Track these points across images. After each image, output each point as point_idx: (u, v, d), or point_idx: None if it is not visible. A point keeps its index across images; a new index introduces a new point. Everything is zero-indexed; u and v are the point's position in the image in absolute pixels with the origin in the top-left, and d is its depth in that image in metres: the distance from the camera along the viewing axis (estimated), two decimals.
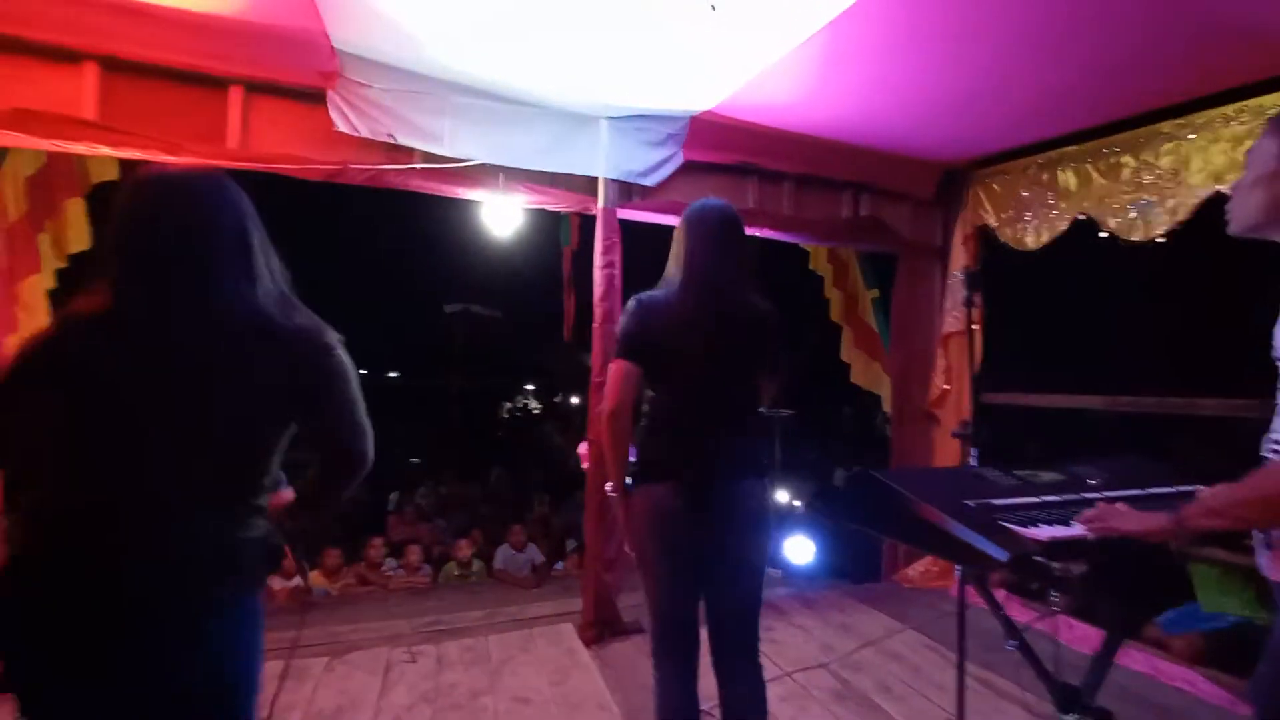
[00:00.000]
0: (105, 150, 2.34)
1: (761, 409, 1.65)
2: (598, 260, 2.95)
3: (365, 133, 2.55)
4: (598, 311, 2.94)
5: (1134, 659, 2.56)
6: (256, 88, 2.48)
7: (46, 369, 0.96)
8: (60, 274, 2.78)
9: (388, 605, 3.50)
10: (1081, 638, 2.57)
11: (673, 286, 1.58)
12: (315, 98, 2.51)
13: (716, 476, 1.52)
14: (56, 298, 2.70)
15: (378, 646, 2.73)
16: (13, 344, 2.44)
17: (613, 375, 1.54)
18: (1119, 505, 1.20)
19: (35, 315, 2.58)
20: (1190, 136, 2.61)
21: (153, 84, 2.36)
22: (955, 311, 3.52)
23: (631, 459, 1.59)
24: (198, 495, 0.96)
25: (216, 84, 2.43)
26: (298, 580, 4.38)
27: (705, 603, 1.58)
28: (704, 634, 1.60)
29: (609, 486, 1.61)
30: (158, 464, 0.94)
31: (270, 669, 2.48)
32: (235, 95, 2.46)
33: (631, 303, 1.58)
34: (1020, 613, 2.10)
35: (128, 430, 0.94)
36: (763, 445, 1.66)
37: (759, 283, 1.62)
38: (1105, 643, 1.53)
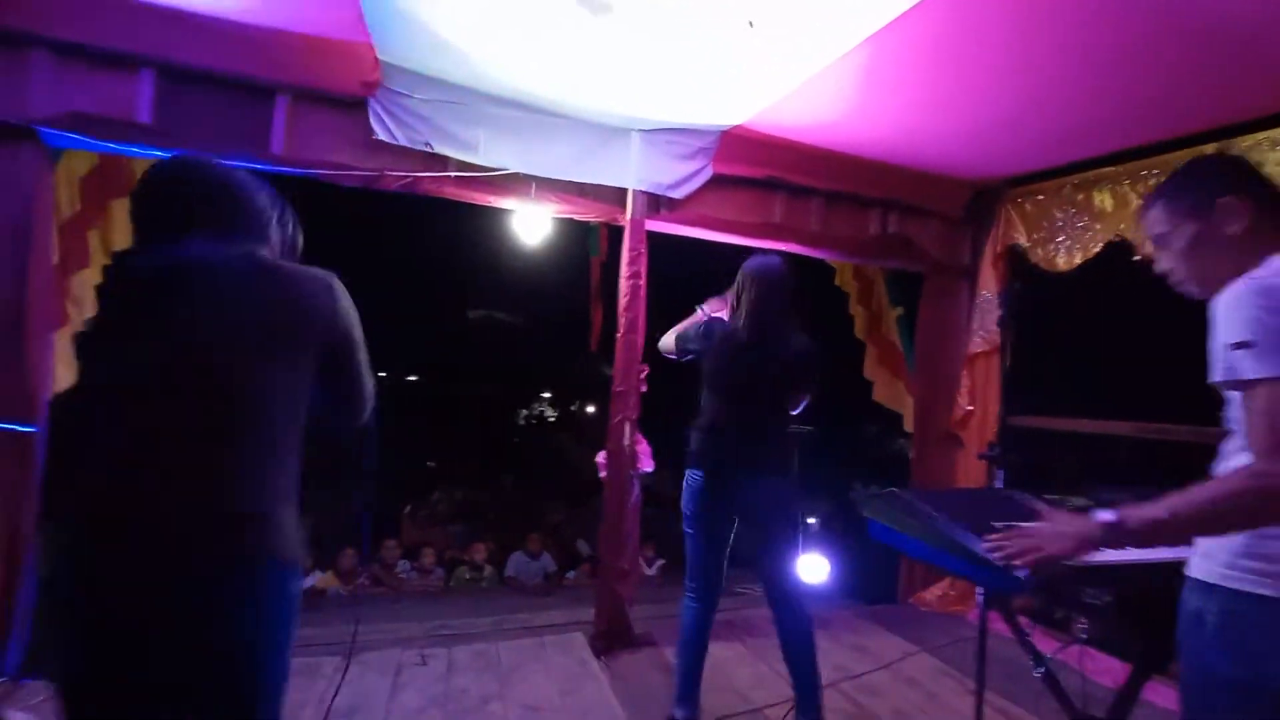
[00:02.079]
0: (157, 153, 2.43)
1: (790, 426, 2.16)
2: (624, 270, 2.98)
3: (404, 141, 2.62)
4: (621, 321, 2.96)
5: (1162, 694, 2.48)
6: (301, 95, 2.56)
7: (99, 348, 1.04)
8: (106, 269, 2.89)
9: (400, 608, 3.53)
10: (1105, 670, 2.50)
11: (736, 321, 2.11)
12: (356, 106, 2.58)
13: (739, 471, 2.05)
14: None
15: (390, 648, 2.75)
16: (63, 340, 2.54)
17: (668, 346, 2.30)
18: (1042, 525, 1.11)
19: (83, 309, 2.67)
20: None
21: (205, 91, 2.45)
22: (983, 332, 3.48)
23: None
24: (233, 462, 0.96)
25: (264, 91, 2.51)
26: (313, 579, 4.45)
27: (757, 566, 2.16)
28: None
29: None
30: (183, 430, 0.95)
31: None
32: (281, 103, 2.54)
33: (705, 326, 2.19)
34: (1042, 642, 2.05)
35: (150, 400, 0.97)
36: (785, 453, 2.11)
37: (799, 318, 2.14)
38: (1131, 676, 1.49)
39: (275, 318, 1.03)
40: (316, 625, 2.95)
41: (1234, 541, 0.95)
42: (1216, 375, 0.96)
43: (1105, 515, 0.99)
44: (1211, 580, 0.97)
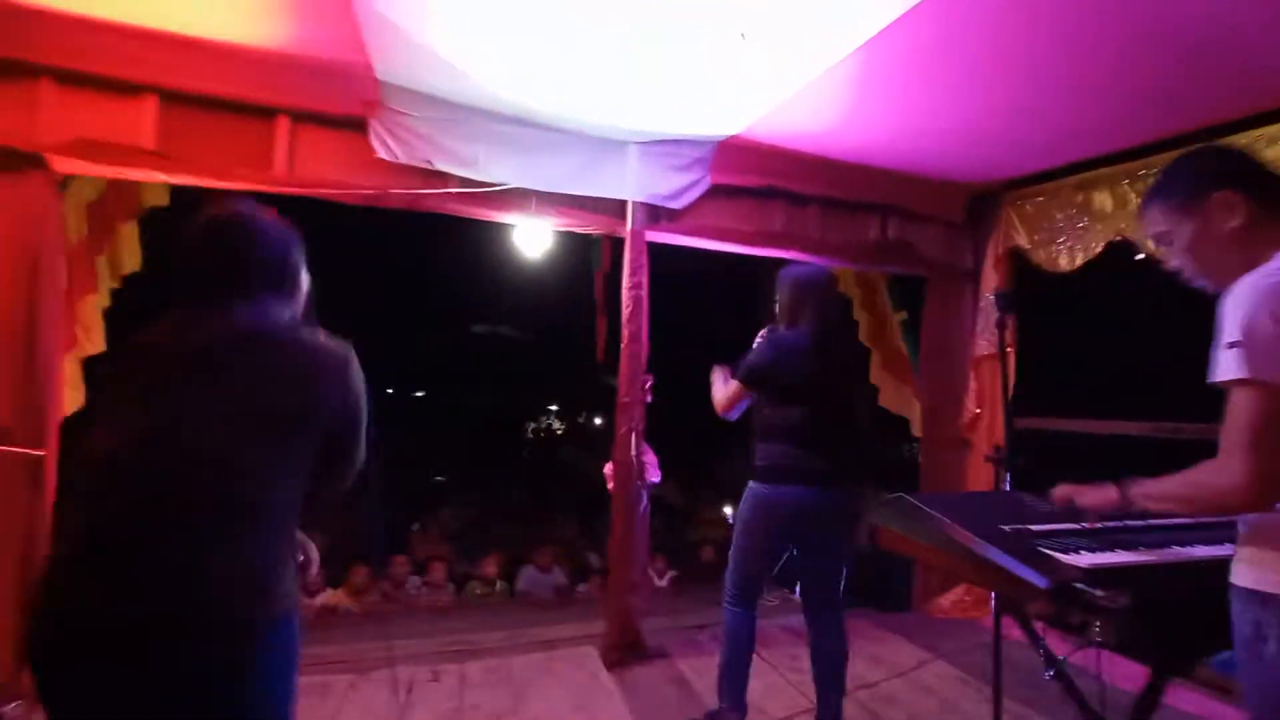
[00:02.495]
0: (161, 177, 2.47)
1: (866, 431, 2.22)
2: (625, 281, 2.99)
3: (404, 159, 2.65)
4: (625, 332, 2.96)
5: (1185, 699, 2.43)
6: (302, 117, 2.60)
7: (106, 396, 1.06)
8: (114, 294, 2.92)
9: (411, 624, 3.52)
10: (1126, 675, 2.45)
11: (795, 331, 2.08)
12: (357, 126, 2.62)
13: (828, 482, 1.98)
14: (111, 316, 2.83)
15: (401, 665, 2.74)
16: (71, 363, 2.57)
17: (738, 393, 2.07)
18: (1079, 487, 1.27)
19: (92, 333, 2.70)
20: None
21: (206, 114, 2.48)
22: (987, 334, 3.46)
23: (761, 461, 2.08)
24: (220, 513, 0.95)
25: (265, 113, 2.54)
26: (324, 597, 4.44)
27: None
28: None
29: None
30: (176, 478, 0.94)
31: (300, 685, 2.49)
32: (282, 124, 2.57)
33: (771, 341, 2.10)
34: (1059, 647, 2.02)
35: (151, 443, 0.96)
36: (864, 461, 2.11)
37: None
38: (1151, 681, 1.47)
39: (288, 404, 1.02)
40: (327, 644, 2.94)
41: None
42: (1210, 373, 0.96)
43: (1124, 484, 1.15)
44: (1268, 590, 0.94)
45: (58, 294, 2.44)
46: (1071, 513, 1.29)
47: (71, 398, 2.57)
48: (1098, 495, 1.22)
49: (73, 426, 2.40)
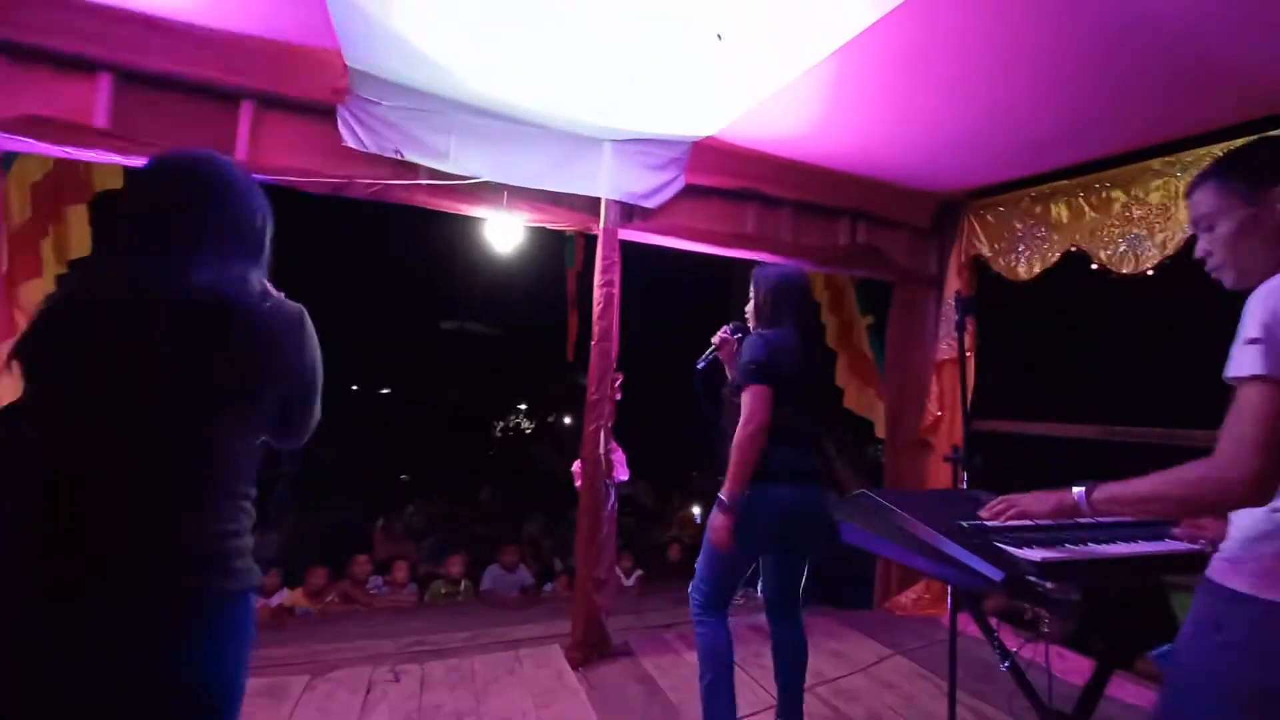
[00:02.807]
0: (115, 158, 2.36)
1: None
2: (597, 279, 2.98)
3: (373, 148, 2.59)
4: (596, 329, 2.96)
5: (1127, 690, 2.54)
6: (268, 101, 2.52)
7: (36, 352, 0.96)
8: (60, 279, 2.79)
9: (372, 624, 3.44)
10: (1074, 669, 2.55)
11: (779, 330, 1.99)
12: (324, 113, 2.55)
13: (806, 482, 1.93)
14: None
15: (360, 665, 2.68)
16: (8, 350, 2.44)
17: (760, 398, 1.85)
18: (1027, 495, 1.28)
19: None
20: (1179, 174, 2.69)
21: (166, 95, 2.39)
22: (949, 339, 3.56)
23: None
24: (170, 483, 0.92)
25: (229, 97, 2.46)
26: (280, 597, 4.31)
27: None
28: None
29: (728, 494, 1.83)
30: (125, 446, 0.90)
31: (253, 687, 2.41)
32: (246, 109, 2.49)
33: (764, 341, 1.93)
34: (1012, 642, 2.09)
35: (95, 410, 0.91)
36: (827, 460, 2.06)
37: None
38: (1096, 672, 1.53)
39: (244, 374, 0.97)
40: (282, 645, 2.86)
41: (1265, 551, 0.95)
42: (1226, 370, 0.95)
43: (1078, 489, 1.15)
44: (1243, 590, 0.95)
45: None
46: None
47: (11, 386, 2.44)
48: (1046, 502, 1.22)
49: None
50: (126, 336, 0.93)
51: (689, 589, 2.01)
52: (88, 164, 2.74)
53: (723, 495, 1.84)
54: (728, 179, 3.20)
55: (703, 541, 1.98)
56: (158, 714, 0.92)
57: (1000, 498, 1.33)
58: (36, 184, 2.73)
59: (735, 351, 2.15)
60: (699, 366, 2.27)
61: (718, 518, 1.85)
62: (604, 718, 2.31)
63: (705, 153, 3.07)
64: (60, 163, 2.72)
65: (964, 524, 1.34)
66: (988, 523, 1.32)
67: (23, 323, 2.56)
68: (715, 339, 2.22)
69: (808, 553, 2.03)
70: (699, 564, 1.99)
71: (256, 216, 1.08)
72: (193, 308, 0.95)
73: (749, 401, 1.85)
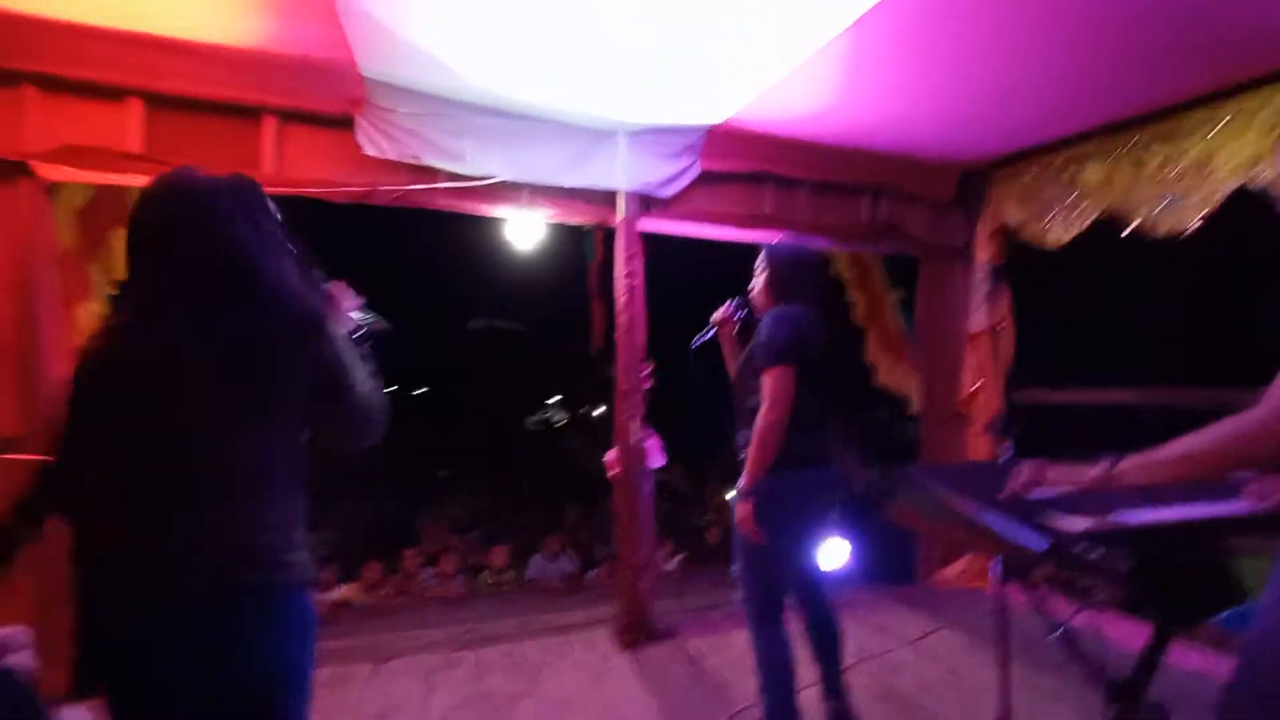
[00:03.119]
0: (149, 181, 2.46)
1: None
2: (619, 271, 2.99)
3: (392, 155, 2.64)
4: (620, 321, 2.98)
5: (1189, 658, 2.48)
6: (289, 116, 2.58)
7: (80, 392, 1.04)
8: (110, 300, 2.92)
9: (425, 614, 3.56)
10: (1130, 636, 2.50)
11: (796, 309, 1.89)
12: (344, 124, 2.61)
13: (831, 463, 1.89)
14: None
15: (418, 654, 2.78)
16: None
17: (787, 379, 1.76)
18: (1046, 466, 1.27)
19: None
20: (1218, 129, 2.56)
21: (193, 116, 2.47)
22: (982, 310, 3.48)
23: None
24: (217, 491, 0.99)
25: (252, 114, 2.53)
26: (338, 593, 4.49)
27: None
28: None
29: (748, 482, 1.78)
30: (169, 464, 0.98)
31: (318, 677, 2.52)
32: (269, 124, 2.56)
33: (784, 316, 1.85)
34: (1063, 611, 2.06)
35: (142, 435, 0.99)
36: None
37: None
38: (1153, 639, 1.50)
39: (247, 376, 1.01)
40: (344, 637, 2.98)
41: None
42: None
43: (1104, 461, 1.15)
44: None
45: (53, 302, 2.44)
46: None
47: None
48: (1072, 477, 1.21)
49: None
50: (142, 387, 1.00)
51: (739, 602, 1.95)
52: (126, 187, 2.85)
53: (742, 483, 1.80)
54: (744, 163, 3.16)
55: (734, 551, 1.90)
56: (224, 704, 0.98)
57: (1024, 465, 1.31)
58: (81, 210, 2.85)
59: (735, 331, 2.10)
60: (694, 345, 2.18)
61: (740, 508, 1.79)
62: (654, 697, 2.36)
63: (720, 138, 3.04)
64: (101, 188, 2.83)
65: (1005, 496, 1.32)
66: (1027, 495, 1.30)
67: (78, 342, 2.69)
68: (716, 316, 2.14)
69: (823, 533, 1.99)
70: (738, 576, 1.90)
71: (221, 228, 1.07)
72: (192, 328, 1.01)
73: (774, 385, 1.75)
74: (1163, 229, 2.74)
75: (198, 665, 0.96)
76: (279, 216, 1.17)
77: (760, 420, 1.76)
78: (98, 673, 0.97)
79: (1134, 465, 1.11)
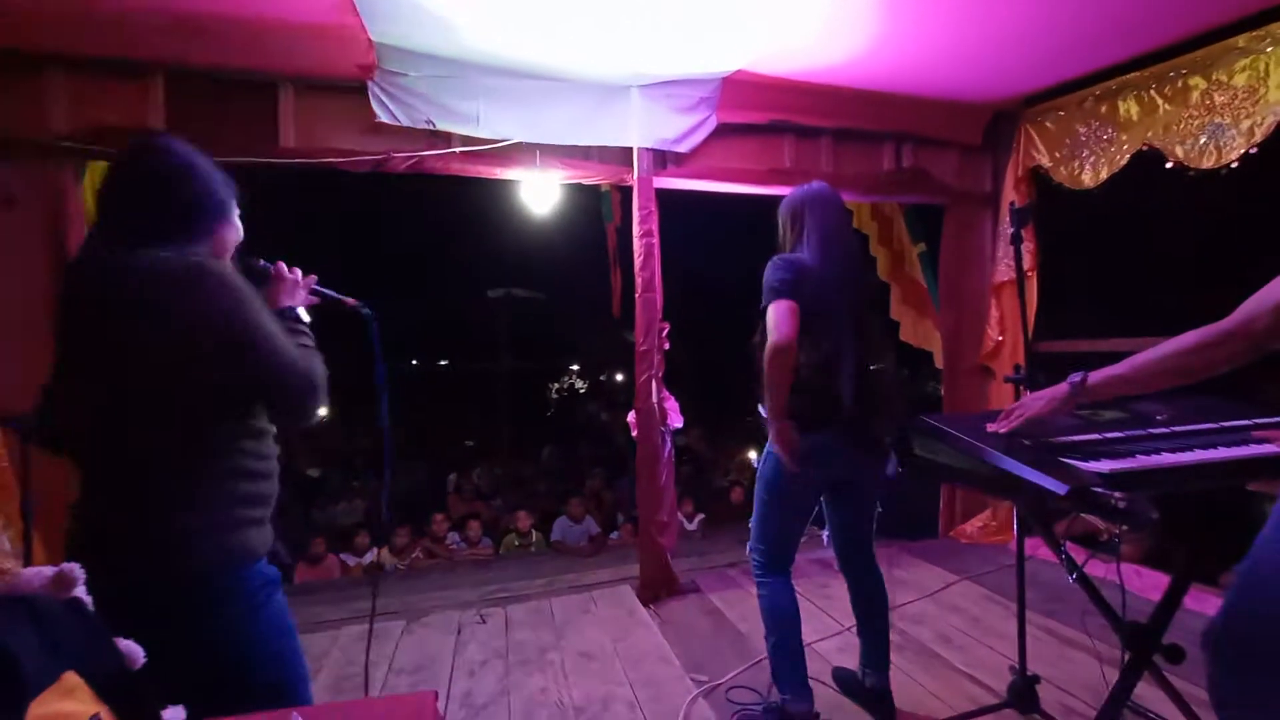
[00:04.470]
0: None
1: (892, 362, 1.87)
2: (636, 230, 2.97)
3: (405, 121, 2.63)
4: (639, 280, 2.97)
5: (1208, 604, 2.47)
6: (305, 86, 2.60)
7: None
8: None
9: (455, 575, 3.69)
10: (1152, 585, 2.50)
11: (806, 255, 1.76)
12: (357, 91, 2.60)
13: (854, 423, 1.74)
14: None
15: (449, 611, 2.90)
16: None
17: (782, 311, 1.65)
18: (1025, 397, 1.32)
19: None
20: (1269, 49, 2.42)
21: (213, 90, 2.51)
22: (1008, 259, 3.39)
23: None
24: (111, 467, 0.97)
25: (269, 86, 2.55)
26: (370, 555, 4.67)
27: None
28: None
29: (772, 414, 1.70)
30: (82, 436, 0.98)
31: (355, 632, 2.64)
32: (287, 95, 2.58)
33: (786, 262, 1.72)
34: (1087, 566, 2.06)
35: (75, 388, 0.99)
36: (895, 396, 1.84)
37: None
38: (1173, 583, 1.50)
39: (136, 345, 0.94)
40: (379, 597, 3.12)
41: None
42: None
43: (1073, 377, 1.20)
44: None
45: None
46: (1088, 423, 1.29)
47: None
48: (1042, 397, 1.27)
49: None
50: (70, 328, 1.00)
51: (747, 550, 1.92)
52: None
53: (765, 413, 1.73)
54: (761, 113, 3.09)
55: (754, 500, 1.89)
56: (192, 685, 0.90)
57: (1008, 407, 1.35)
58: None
59: None
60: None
61: (773, 441, 1.73)
62: (677, 648, 2.44)
63: (736, 88, 2.97)
64: None
65: (1026, 441, 1.32)
66: (1053, 439, 1.30)
67: None
68: None
69: (865, 497, 1.89)
70: (753, 523, 1.89)
71: (160, 190, 1.02)
72: (94, 287, 0.97)
73: (772, 315, 1.66)
74: (1206, 161, 2.62)
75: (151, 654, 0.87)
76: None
77: (765, 353, 1.67)
78: None
79: (1104, 377, 1.15)
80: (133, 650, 0.77)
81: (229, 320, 0.96)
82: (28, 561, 1.78)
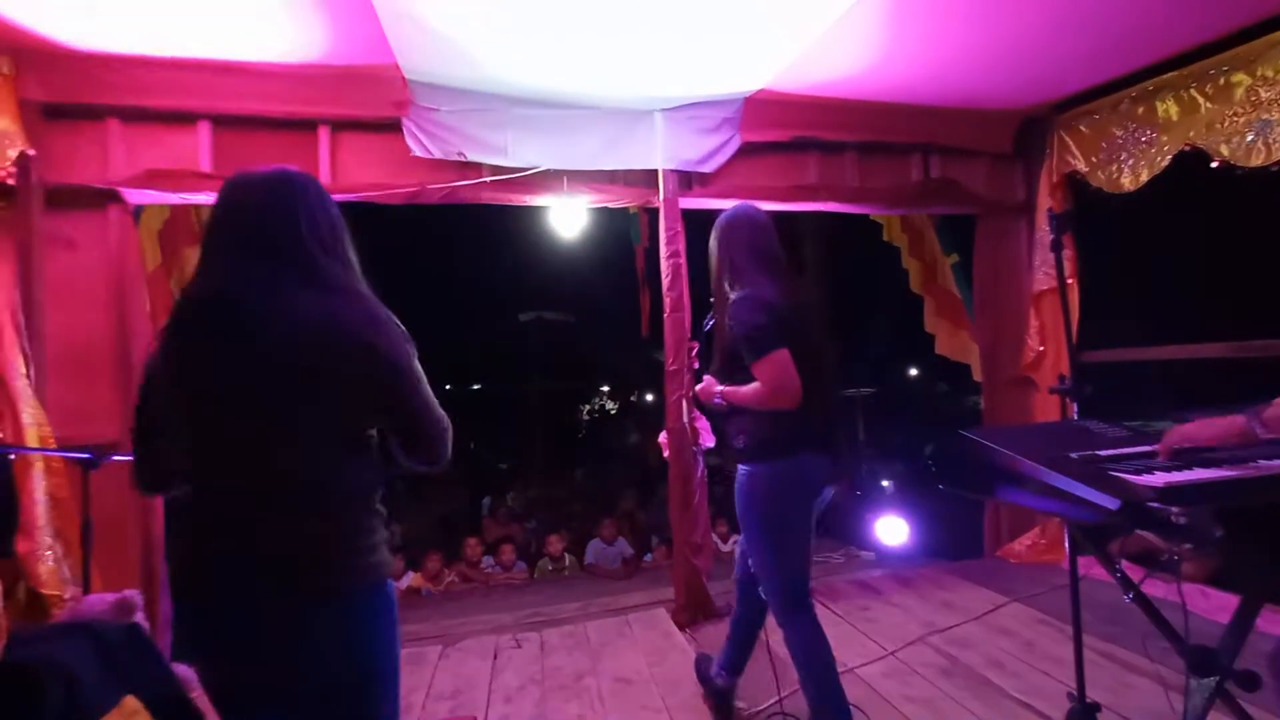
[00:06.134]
0: None
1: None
2: (663, 251, 3.00)
3: (438, 154, 2.73)
4: (667, 301, 2.99)
5: None
6: (340, 125, 2.72)
7: (164, 367, 1.02)
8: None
9: (490, 600, 3.70)
10: (1219, 607, 2.36)
11: (765, 290, 1.70)
12: (392, 127, 2.71)
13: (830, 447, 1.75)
14: None
15: (485, 635, 2.90)
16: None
17: (784, 363, 1.62)
18: (1190, 424, 1.19)
19: None
20: None
21: (254, 133, 2.65)
22: (1046, 268, 3.30)
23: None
24: (295, 485, 0.99)
25: (307, 126, 2.69)
26: (407, 580, 4.72)
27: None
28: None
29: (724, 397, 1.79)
30: (254, 456, 0.98)
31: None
32: (323, 134, 2.70)
33: (757, 302, 1.68)
34: (1147, 586, 1.94)
35: (225, 424, 0.99)
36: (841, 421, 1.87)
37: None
38: (1243, 605, 1.41)
39: (307, 372, 0.97)
40: (412, 622, 3.14)
41: None
42: None
43: (1248, 411, 1.09)
44: None
45: (144, 317, 2.66)
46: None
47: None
48: (1212, 428, 1.13)
49: None
50: (212, 347, 0.98)
51: (760, 593, 1.84)
52: (198, 206, 3.06)
53: (737, 442, 1.78)
54: (784, 130, 3.10)
55: (750, 547, 1.83)
56: (324, 691, 1.02)
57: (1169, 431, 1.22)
58: (159, 231, 3.08)
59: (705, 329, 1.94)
60: (705, 328, 1.97)
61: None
62: None
63: (759, 107, 2.99)
64: (175, 208, 3.05)
65: (1074, 455, 1.27)
66: (1102, 453, 1.25)
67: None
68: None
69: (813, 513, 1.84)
70: (755, 563, 1.81)
71: (315, 227, 1.07)
72: (260, 314, 0.98)
73: (774, 369, 1.61)
74: (1254, 160, 2.52)
75: (287, 660, 0.98)
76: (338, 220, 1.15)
77: (770, 401, 1.64)
78: (191, 654, 1.02)
79: (1276, 414, 1.04)
80: (188, 675, 0.80)
81: (411, 362, 1.04)
82: (86, 589, 1.86)
